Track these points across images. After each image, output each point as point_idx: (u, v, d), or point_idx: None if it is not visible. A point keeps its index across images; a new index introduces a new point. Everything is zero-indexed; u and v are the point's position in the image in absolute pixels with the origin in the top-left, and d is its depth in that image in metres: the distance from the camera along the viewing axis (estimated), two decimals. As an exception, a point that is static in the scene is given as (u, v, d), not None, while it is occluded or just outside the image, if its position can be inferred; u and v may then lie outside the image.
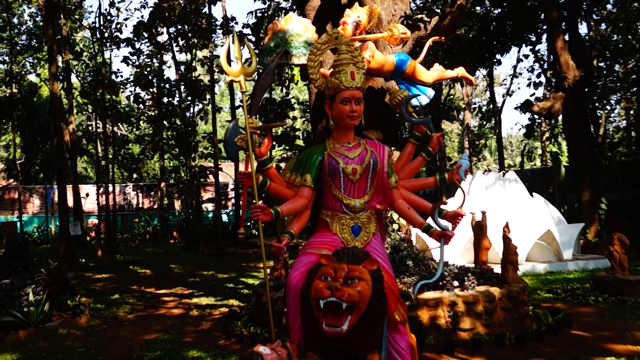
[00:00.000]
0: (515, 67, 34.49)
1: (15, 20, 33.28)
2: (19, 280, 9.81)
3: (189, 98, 30.50)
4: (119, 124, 39.67)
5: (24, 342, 8.75)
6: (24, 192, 33.47)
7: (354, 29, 8.25)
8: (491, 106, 38.30)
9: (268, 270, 11.55)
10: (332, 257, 3.83)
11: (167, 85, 30.73)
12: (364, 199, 4.27)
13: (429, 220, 4.41)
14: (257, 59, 6.18)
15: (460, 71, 9.02)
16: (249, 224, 30.39)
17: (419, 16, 9.96)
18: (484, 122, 47.15)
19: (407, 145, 4.85)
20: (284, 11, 22.07)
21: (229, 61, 4.23)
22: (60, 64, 27.92)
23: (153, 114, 32.15)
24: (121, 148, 37.88)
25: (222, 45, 32.80)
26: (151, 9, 25.83)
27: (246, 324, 8.89)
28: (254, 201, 4.04)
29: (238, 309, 10.64)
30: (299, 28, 7.77)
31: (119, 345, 8.44)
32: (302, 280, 3.92)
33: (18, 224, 28.63)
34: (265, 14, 22.36)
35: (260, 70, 4.52)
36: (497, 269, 9.25)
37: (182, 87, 31.06)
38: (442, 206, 4.34)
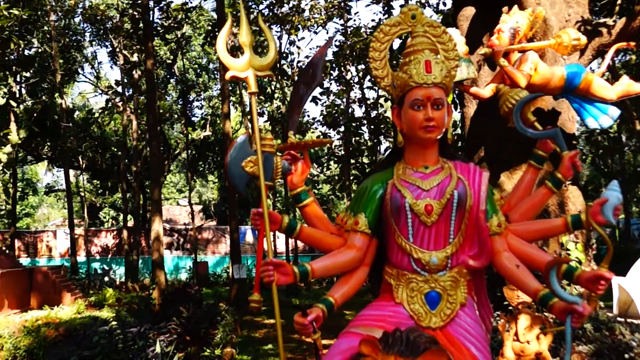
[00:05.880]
0: None
1: (211, 65, 34.67)
2: (147, 328, 9.17)
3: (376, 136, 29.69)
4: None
5: (143, 399, 8.01)
6: (217, 232, 34.34)
7: (512, 38, 6.78)
8: None
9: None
10: (377, 344, 2.45)
11: (353, 124, 30.22)
12: (444, 251, 2.82)
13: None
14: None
15: (656, 83, 7.10)
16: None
17: (602, 20, 8.15)
18: None
19: (527, 170, 3.29)
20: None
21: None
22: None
23: (341, 153, 31.74)
24: (311, 189, 37.86)
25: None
26: (335, 47, 25.49)
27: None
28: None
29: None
30: (444, 39, 6.46)
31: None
32: (336, 377, 2.57)
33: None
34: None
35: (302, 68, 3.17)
36: None
37: (369, 125, 30.37)
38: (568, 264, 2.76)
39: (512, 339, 6.03)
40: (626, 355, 6.16)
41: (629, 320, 7.27)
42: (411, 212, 2.81)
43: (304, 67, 3.24)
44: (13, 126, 19.14)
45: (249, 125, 28.97)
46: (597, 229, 2.82)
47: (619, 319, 7.26)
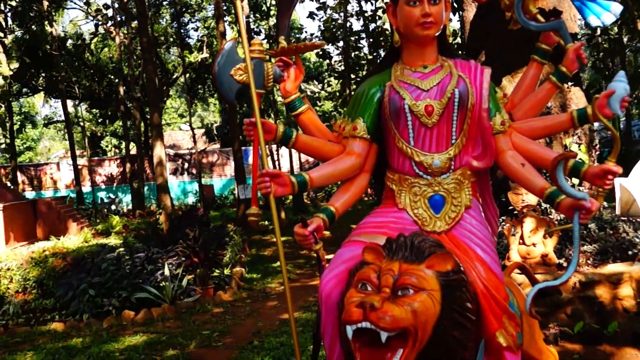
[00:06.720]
0: None
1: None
2: (155, 253, 9.22)
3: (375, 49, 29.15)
4: (309, 82, 39.34)
5: (155, 320, 8.14)
6: (221, 155, 34.20)
7: None
8: None
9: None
10: (381, 251, 2.39)
11: (352, 38, 29.67)
12: (447, 153, 2.72)
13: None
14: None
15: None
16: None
17: None
18: None
19: (530, 65, 3.14)
20: None
21: None
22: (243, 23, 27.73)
23: (341, 69, 31.31)
24: (312, 106, 37.54)
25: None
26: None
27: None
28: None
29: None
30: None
31: (248, 326, 7.54)
32: (340, 287, 2.52)
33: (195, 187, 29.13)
34: None
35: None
36: None
37: (368, 39, 29.81)
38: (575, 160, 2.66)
39: (517, 242, 6.02)
40: (630, 252, 6.15)
41: (631, 218, 7.22)
42: (411, 113, 2.70)
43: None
44: (3, 57, 18.74)
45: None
46: (604, 122, 2.70)
47: (622, 218, 7.22)
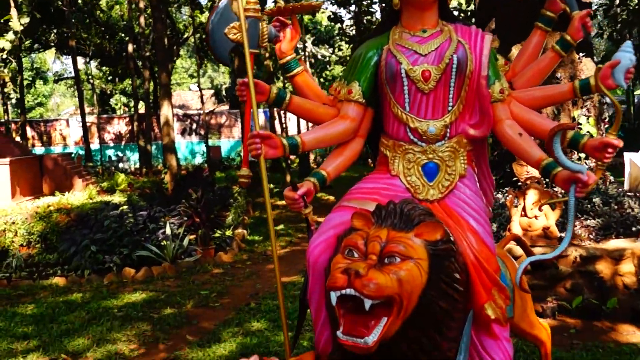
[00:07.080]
0: None
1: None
2: (157, 211, 9.22)
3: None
4: (320, 45, 38.99)
5: (155, 278, 8.17)
6: (230, 116, 34.05)
7: None
8: None
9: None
10: (370, 217, 2.35)
11: (364, 2, 29.30)
12: (443, 120, 2.65)
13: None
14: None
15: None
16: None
17: None
18: None
19: (534, 32, 3.04)
20: None
21: None
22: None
23: (352, 33, 30.98)
24: (323, 70, 37.24)
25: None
26: None
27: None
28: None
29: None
30: None
31: (246, 288, 7.58)
32: (328, 252, 2.50)
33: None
34: None
35: None
36: None
37: (380, 3, 29.42)
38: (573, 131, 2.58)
39: (519, 214, 5.97)
40: (633, 228, 6.10)
41: (637, 194, 7.14)
42: (407, 78, 2.62)
43: None
44: (14, 12, 18.54)
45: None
46: (606, 93, 2.61)
47: (628, 193, 7.14)
